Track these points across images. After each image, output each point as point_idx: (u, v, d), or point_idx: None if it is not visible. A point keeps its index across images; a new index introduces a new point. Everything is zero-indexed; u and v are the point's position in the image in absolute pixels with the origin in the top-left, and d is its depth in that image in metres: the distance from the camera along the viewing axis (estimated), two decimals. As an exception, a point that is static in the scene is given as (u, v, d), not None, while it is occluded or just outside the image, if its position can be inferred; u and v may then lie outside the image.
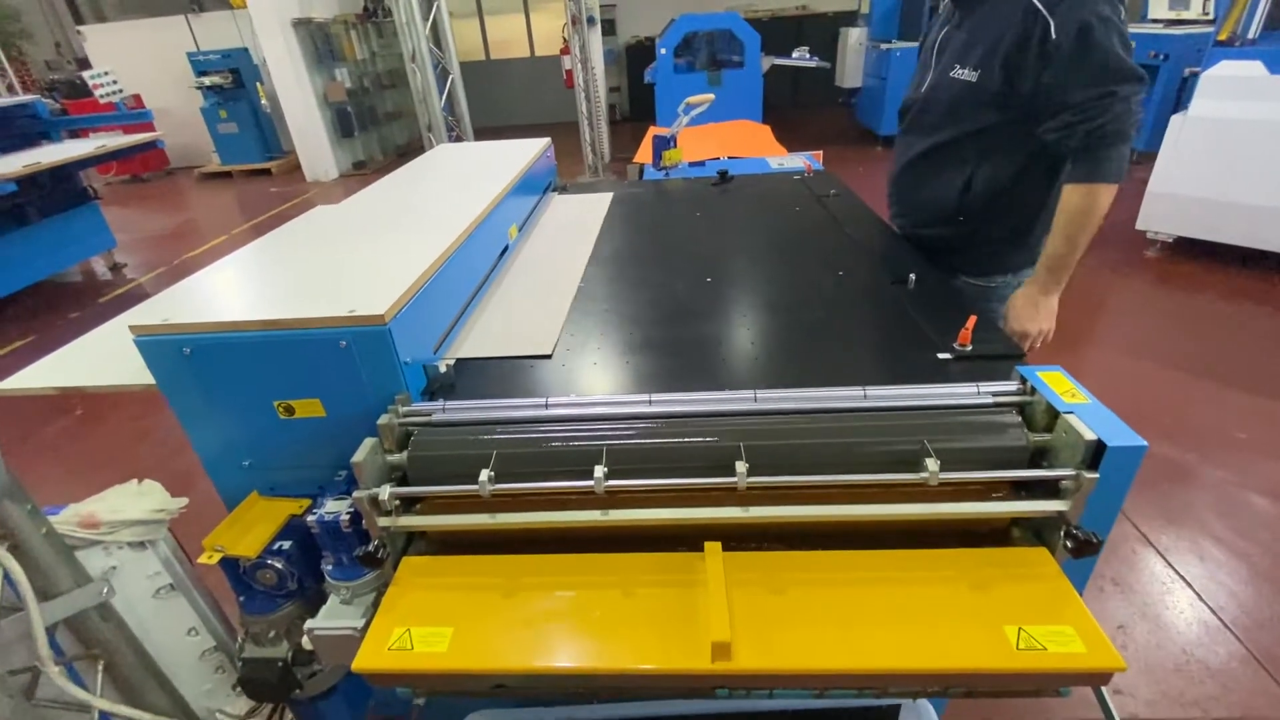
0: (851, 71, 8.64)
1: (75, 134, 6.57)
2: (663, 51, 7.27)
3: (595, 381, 1.17)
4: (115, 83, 8.34)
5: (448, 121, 6.29)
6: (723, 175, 2.39)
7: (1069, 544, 0.86)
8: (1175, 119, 4.21)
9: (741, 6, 9.94)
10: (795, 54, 7.45)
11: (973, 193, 1.55)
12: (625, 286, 1.55)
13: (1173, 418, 2.98)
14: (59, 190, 5.19)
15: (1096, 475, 0.86)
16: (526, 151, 2.18)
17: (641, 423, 0.99)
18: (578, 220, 2.08)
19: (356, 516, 1.01)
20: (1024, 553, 0.93)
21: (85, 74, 8.05)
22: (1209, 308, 3.94)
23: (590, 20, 7.34)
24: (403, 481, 1.00)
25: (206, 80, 8.83)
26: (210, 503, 1.23)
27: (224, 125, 9.23)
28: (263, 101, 9.00)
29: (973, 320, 1.15)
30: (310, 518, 1.04)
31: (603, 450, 0.93)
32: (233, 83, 8.94)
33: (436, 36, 6.50)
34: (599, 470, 0.90)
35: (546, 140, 2.37)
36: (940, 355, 1.15)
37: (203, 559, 1.08)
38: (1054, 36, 1.32)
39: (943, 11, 1.66)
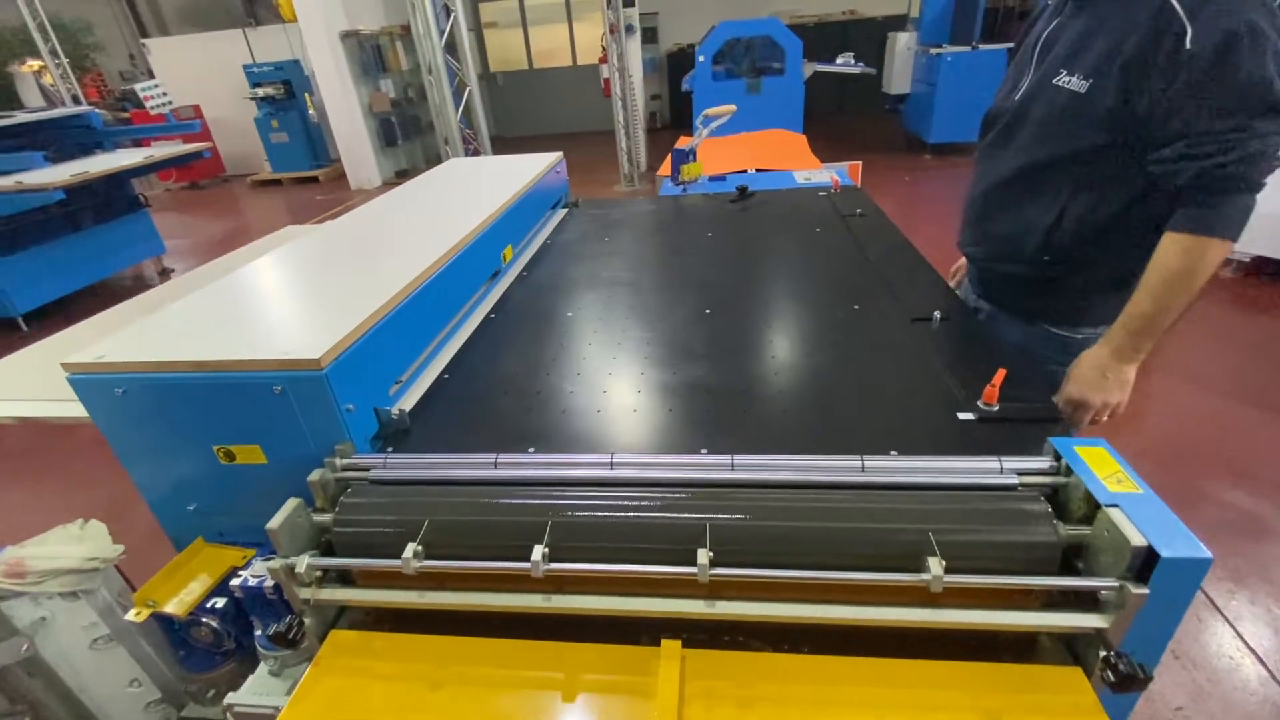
0: (899, 77, 8.32)
1: (138, 143, 6.87)
2: (701, 59, 7.13)
3: (562, 430, 1.04)
4: (165, 94, 8.68)
5: (464, 134, 6.27)
6: (741, 191, 2.24)
7: (1109, 675, 0.69)
8: (1256, 128, 3.84)
9: (786, 12, 9.73)
10: (839, 60, 7.21)
11: (1063, 229, 1.28)
12: (616, 317, 1.42)
13: (1247, 461, 2.67)
14: (110, 198, 5.39)
15: (1145, 591, 0.68)
16: (532, 168, 2.08)
17: (597, 491, 0.86)
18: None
19: (283, 582, 0.91)
20: (1052, 673, 0.76)
21: (137, 86, 8.41)
22: (1292, 335, 3.56)
23: (629, 29, 7.27)
24: (329, 548, 0.89)
25: (260, 91, 9.13)
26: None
27: (275, 135, 9.53)
28: (311, 112, 9.26)
29: (1001, 375, 0.98)
30: (234, 581, 0.95)
31: (546, 525, 0.81)
32: (284, 93, 9.22)
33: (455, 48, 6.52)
34: (538, 551, 0.78)
35: (556, 155, 2.27)
36: (961, 415, 0.99)
37: (131, 615, 1.00)
38: (1188, 46, 1.05)
39: (1052, 2, 1.35)
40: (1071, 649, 0.78)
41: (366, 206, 1.76)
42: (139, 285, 6.14)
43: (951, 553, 0.74)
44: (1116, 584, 0.70)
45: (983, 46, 7.08)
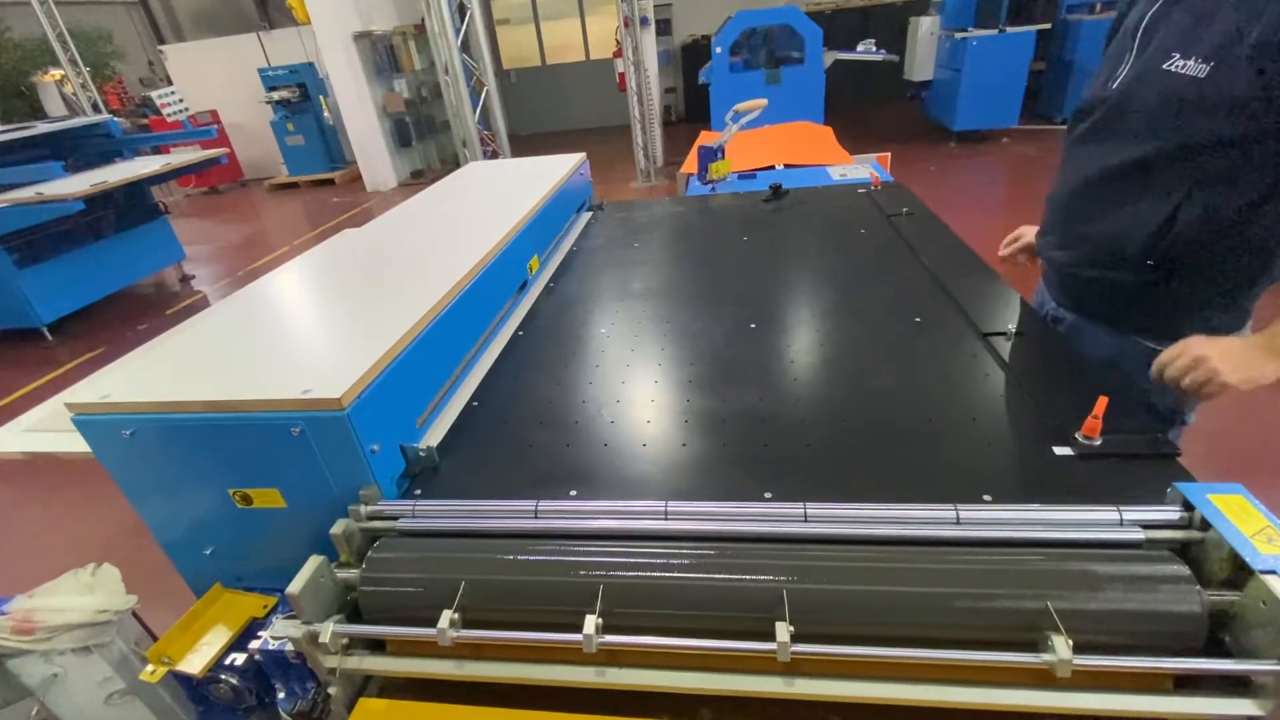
0: (922, 63, 8.09)
1: (157, 150, 6.91)
2: (718, 50, 6.97)
3: (604, 468, 0.95)
4: (181, 101, 8.70)
5: (482, 136, 6.17)
6: (776, 190, 2.12)
7: (1273, 775, 0.58)
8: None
9: (803, 0, 9.52)
10: (860, 47, 7.02)
11: (1176, 231, 1.12)
12: (652, 334, 1.32)
13: (1319, 466, 2.50)
14: (130, 206, 5.39)
15: (1321, 678, 0.57)
16: (556, 172, 1.98)
17: (653, 547, 0.76)
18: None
19: (305, 646, 0.83)
20: (1193, 763, 0.65)
21: (153, 94, 8.44)
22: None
23: (643, 21, 7.14)
24: (355, 608, 0.80)
25: (276, 95, 9.14)
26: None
27: (291, 138, 9.54)
28: (326, 114, 9.25)
29: (1103, 403, 0.86)
30: (254, 643, 0.86)
31: (598, 589, 0.71)
32: (299, 97, 9.23)
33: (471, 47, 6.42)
34: (590, 622, 0.68)
35: (580, 157, 2.17)
36: (1057, 450, 0.87)
37: (145, 675, 0.93)
38: None
39: None
40: (1213, 733, 0.67)
41: (382, 219, 1.67)
42: (161, 293, 6.16)
43: (1075, 625, 0.63)
44: (1278, 667, 0.59)
45: (1010, 29, 6.84)
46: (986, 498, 0.80)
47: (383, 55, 8.76)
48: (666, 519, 0.79)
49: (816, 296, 1.43)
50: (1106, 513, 0.72)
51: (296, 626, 0.75)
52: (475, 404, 1.14)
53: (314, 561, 0.77)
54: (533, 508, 0.82)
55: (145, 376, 0.97)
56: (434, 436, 1.05)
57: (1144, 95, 1.13)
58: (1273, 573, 0.62)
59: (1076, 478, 0.83)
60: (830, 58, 7.04)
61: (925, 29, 7.87)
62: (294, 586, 0.75)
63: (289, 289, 1.27)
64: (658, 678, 0.71)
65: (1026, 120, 7.34)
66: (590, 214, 2.21)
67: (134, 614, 1.16)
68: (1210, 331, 1.12)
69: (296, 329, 1.08)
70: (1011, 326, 1.14)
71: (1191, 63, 1.06)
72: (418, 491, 0.93)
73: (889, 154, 3.29)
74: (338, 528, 0.82)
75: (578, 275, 1.69)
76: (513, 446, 1.02)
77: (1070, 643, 0.61)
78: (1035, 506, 0.74)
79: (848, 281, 1.48)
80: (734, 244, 1.79)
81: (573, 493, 0.88)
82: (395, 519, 0.85)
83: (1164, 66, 1.09)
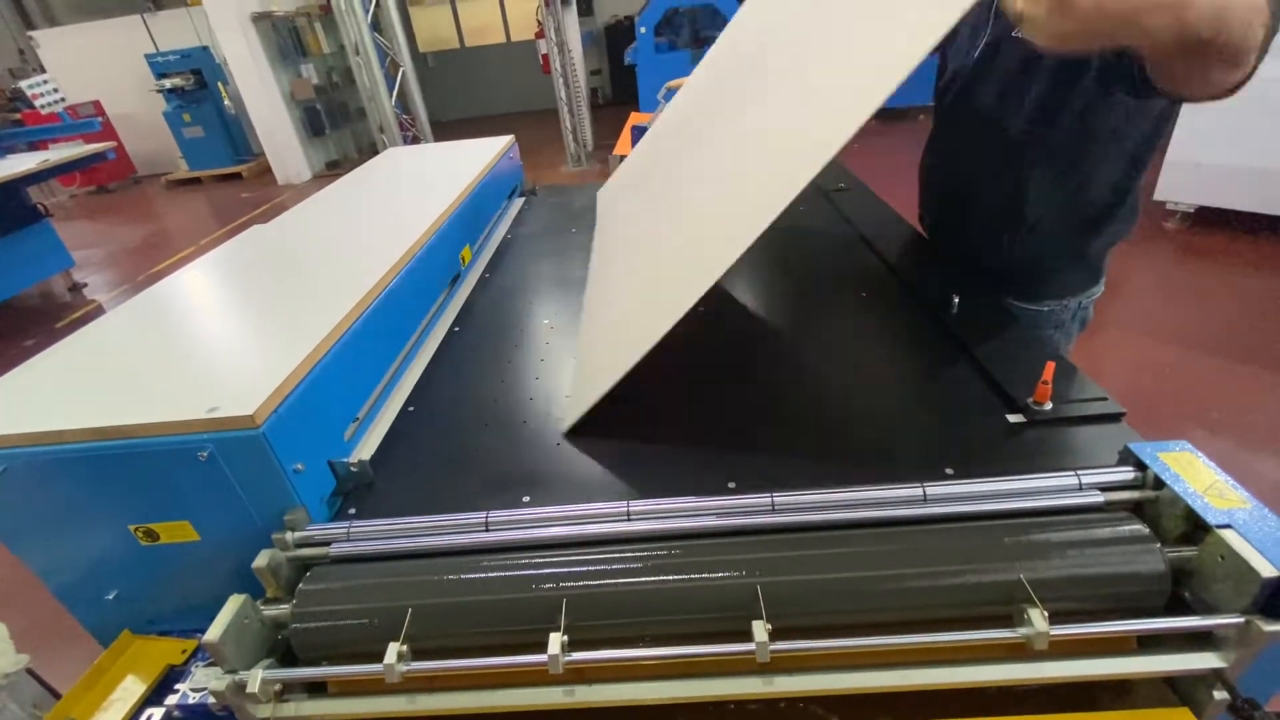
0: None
1: (34, 146, 6.22)
2: (642, 30, 6.89)
3: (558, 469, 0.89)
4: (56, 91, 7.85)
5: (402, 120, 5.88)
6: (712, 169, 2.08)
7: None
8: (1196, 79, 3.89)
9: (723, -21, 9.50)
10: (783, 26, 7.08)
11: (1028, 195, 1.19)
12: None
13: (1220, 411, 2.71)
14: (3, 210, 4.84)
15: (1279, 627, 0.58)
16: (483, 155, 1.88)
17: (617, 551, 0.71)
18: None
19: (232, 694, 0.73)
20: (1160, 718, 0.66)
21: (23, 84, 7.60)
22: (1240, 282, 3.66)
23: (564, 1, 6.95)
24: (289, 650, 0.72)
25: (167, 83, 8.40)
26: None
27: (189, 129, 8.82)
28: (226, 102, 8.59)
29: (1051, 368, 0.87)
30: (171, 697, 0.77)
31: (561, 603, 0.66)
32: (195, 84, 8.52)
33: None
34: (555, 641, 0.63)
35: (508, 139, 2.07)
36: (1010, 418, 0.88)
37: (42, 744, 0.81)
38: None
39: None
40: (1174, 686, 0.68)
41: (294, 212, 1.54)
42: (48, 304, 5.60)
43: (1048, 594, 0.63)
44: (1242, 620, 0.60)
45: (923, 8, 7.05)
46: (949, 471, 0.79)
47: (286, 38, 8.19)
48: (629, 520, 0.74)
49: (761, 274, 1.41)
50: (1065, 478, 0.73)
51: (218, 677, 0.66)
52: (411, 409, 1.05)
53: (234, 602, 0.68)
54: (483, 519, 0.76)
55: (17, 403, 0.84)
56: (366, 449, 0.96)
57: (999, 62, 1.17)
58: (1228, 527, 0.63)
59: (1029, 443, 0.83)
60: (753, 37, 7.07)
61: (843, 7, 8.01)
62: (212, 633, 0.66)
63: (190, 294, 1.13)
64: (630, 691, 0.66)
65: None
66: (523, 199, 2.12)
67: (30, 672, 1.02)
68: (1067, 292, 1.25)
69: (200, 339, 0.96)
70: (957, 298, 1.14)
71: None
72: (352, 511, 0.85)
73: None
74: (261, 560, 0.73)
75: (515, 264, 1.61)
76: (456, 453, 0.94)
77: (1045, 614, 0.60)
78: (997, 479, 0.74)
79: (791, 257, 1.46)
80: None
81: (525, 499, 0.82)
82: (328, 544, 0.77)
83: (1014, 33, 1.12)
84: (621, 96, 10.62)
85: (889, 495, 0.73)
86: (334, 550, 0.76)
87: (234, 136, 9.02)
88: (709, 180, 1.06)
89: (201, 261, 1.26)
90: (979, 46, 1.22)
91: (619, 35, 10.04)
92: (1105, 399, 0.87)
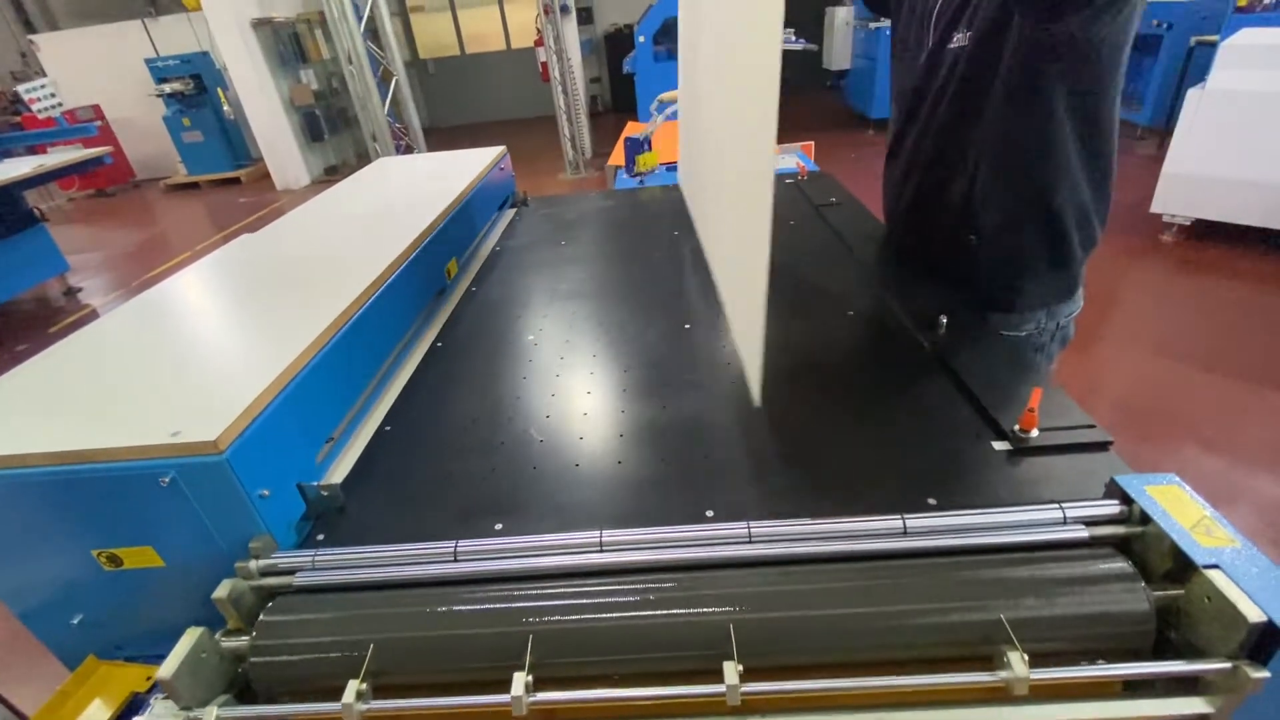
0: (839, 53, 8.28)
1: (33, 150, 6.22)
2: (641, 39, 6.90)
3: (534, 495, 0.87)
4: (54, 95, 7.83)
5: (395, 129, 5.87)
6: (704, 182, 2.07)
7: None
8: (1192, 93, 3.90)
9: (723, -11, 9.53)
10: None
11: (979, 205, 1.18)
12: (584, 339, 1.25)
13: (1213, 427, 2.70)
14: (-1, 214, 4.83)
15: (1266, 674, 0.56)
16: (474, 166, 1.86)
17: (587, 585, 0.69)
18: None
19: (191, 729, 0.71)
20: (1144, 762, 0.64)
21: (20, 88, 7.59)
22: (1237, 296, 3.65)
23: (564, 9, 6.99)
24: (248, 684, 0.70)
25: (167, 88, 8.42)
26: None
27: (188, 134, 8.83)
28: (226, 108, 8.60)
29: (1038, 394, 0.85)
30: (127, 730, 0.74)
31: (527, 640, 0.64)
32: (194, 89, 8.53)
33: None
34: (519, 681, 0.61)
35: (500, 150, 2.06)
36: (996, 445, 0.86)
37: (-1, 775, 0.79)
38: None
39: None
40: (1161, 729, 0.66)
41: (279, 223, 1.52)
42: (43, 308, 5.58)
43: (1028, 635, 0.61)
44: (1229, 665, 0.58)
45: (921, 19, 7.07)
46: (931, 501, 0.77)
47: (286, 44, 8.21)
48: (601, 551, 0.72)
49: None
50: (1049, 511, 0.71)
51: (174, 713, 0.64)
52: (388, 429, 1.03)
53: (190, 636, 0.66)
54: (451, 549, 0.74)
55: (-25, 424, 0.82)
56: (339, 471, 0.94)
57: (938, 76, 1.19)
58: (1215, 567, 0.61)
59: (1015, 472, 0.81)
60: (752, 47, 7.07)
61: (841, 19, 8.05)
62: (166, 669, 0.63)
63: (163, 311, 1.11)
64: (599, 732, 0.64)
65: (939, 107, 7.62)
66: (514, 210, 2.11)
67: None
68: (1042, 303, 1.24)
69: (169, 358, 0.94)
70: (943, 318, 1.13)
71: (960, 35, 1.12)
72: (320, 537, 0.83)
73: (812, 143, 3.31)
74: (222, 590, 0.71)
75: (502, 277, 1.59)
76: (431, 476, 0.92)
77: (1026, 658, 0.58)
78: (979, 511, 0.72)
79: (780, 275, 1.44)
80: (665, 239, 1.73)
81: (498, 526, 0.80)
82: (292, 573, 0.74)
83: (949, 46, 1.15)
84: (620, 105, 10.65)
85: (868, 527, 0.71)
86: (298, 580, 0.73)
87: (233, 141, 9.03)
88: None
89: (181, 275, 1.24)
90: (920, 63, 1.24)
91: (619, 43, 10.08)
92: (1093, 426, 0.85)
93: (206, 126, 8.76)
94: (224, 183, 9.13)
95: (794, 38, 7.11)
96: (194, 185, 9.16)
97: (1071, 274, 1.25)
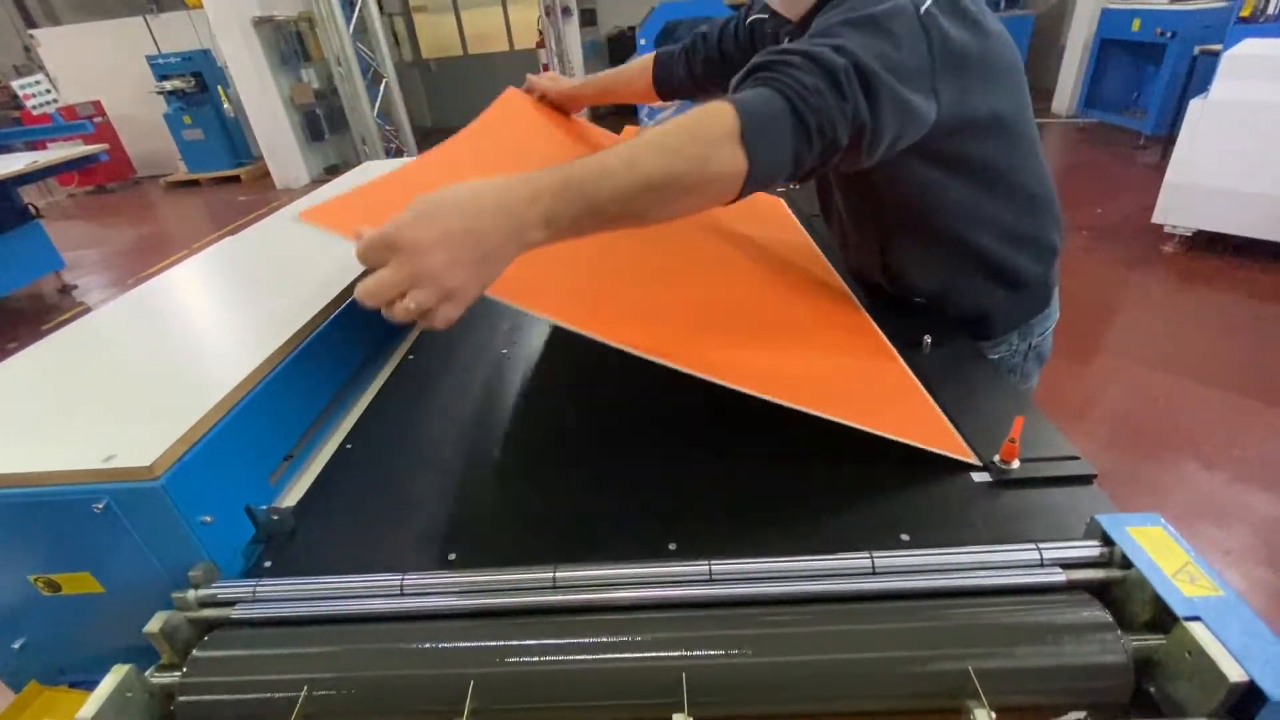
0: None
1: (32, 146, 6.21)
2: (642, 42, 6.89)
3: (495, 524, 0.83)
4: (49, 91, 7.80)
5: (385, 132, 5.82)
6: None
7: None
8: (1194, 103, 3.86)
9: (725, -8, 9.52)
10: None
11: (897, 267, 1.17)
12: (560, 349, 1.21)
13: (1212, 442, 2.66)
14: (-8, 211, 4.82)
15: (1249, 735, 0.53)
16: (458, 171, 1.83)
17: (536, 624, 0.66)
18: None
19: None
20: (1121, 824, 0.60)
21: (15, 83, 7.56)
22: (1239, 309, 3.61)
23: (565, 11, 6.96)
24: (178, 724, 0.66)
25: (168, 85, 8.41)
26: None
27: (189, 131, 8.83)
28: (226, 106, 8.59)
29: (1019, 424, 0.82)
30: (53, 770, 0.71)
31: (468, 685, 0.60)
32: (195, 86, 8.53)
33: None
34: (457, 731, 0.57)
35: (486, 155, 2.02)
36: (975, 477, 0.82)
37: (-73, 810, 0.75)
38: None
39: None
40: (1136, 785, 0.63)
41: (259, 226, 1.49)
42: (37, 306, 5.56)
43: (999, 686, 0.57)
44: (1208, 725, 0.54)
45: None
46: (904, 537, 0.74)
47: (288, 42, 8.19)
48: (554, 589, 0.68)
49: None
50: (1025, 551, 0.67)
51: (90, 760, 0.61)
52: (349, 446, 1.00)
53: (115, 674, 0.63)
54: (398, 583, 0.70)
55: (-88, 443, 0.79)
56: (295, 491, 0.91)
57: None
58: (1197, 619, 0.57)
59: (996, 507, 0.78)
60: (753, 50, 7.06)
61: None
62: (88, 709, 0.60)
63: (123, 323, 1.07)
64: (542, 784, 0.61)
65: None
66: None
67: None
68: (1013, 327, 1.20)
69: (118, 375, 0.90)
70: (928, 339, 1.09)
71: None
72: (268, 564, 0.79)
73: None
74: (155, 623, 0.68)
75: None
76: (387, 500, 0.89)
77: (994, 716, 0.55)
78: (953, 550, 0.68)
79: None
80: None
81: (451, 557, 0.77)
82: (232, 604, 0.71)
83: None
84: (621, 108, 10.62)
85: (835, 565, 0.67)
86: (236, 612, 0.70)
87: (233, 139, 9.03)
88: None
89: (144, 288, 1.20)
90: None
91: (621, 46, 10.05)
92: (1077, 459, 0.81)
93: (207, 124, 8.75)
94: (224, 180, 9.12)
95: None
96: (194, 183, 9.15)
97: (1035, 291, 1.19)
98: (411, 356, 1.25)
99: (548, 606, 0.67)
